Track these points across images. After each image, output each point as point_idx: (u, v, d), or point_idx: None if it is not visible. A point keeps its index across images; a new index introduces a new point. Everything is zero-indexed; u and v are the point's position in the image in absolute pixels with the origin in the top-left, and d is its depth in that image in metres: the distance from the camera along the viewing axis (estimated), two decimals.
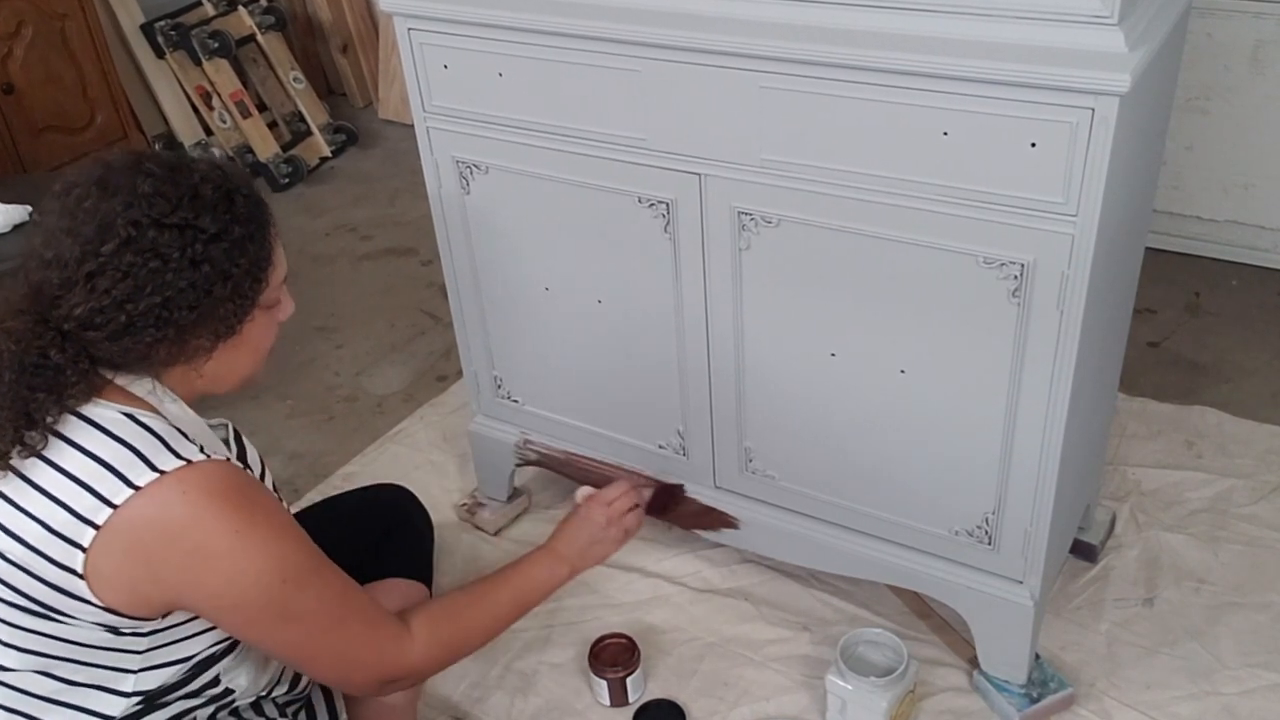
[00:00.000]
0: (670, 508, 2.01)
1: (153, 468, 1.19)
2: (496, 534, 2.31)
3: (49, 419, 1.19)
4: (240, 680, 1.39)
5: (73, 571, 1.19)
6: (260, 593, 1.24)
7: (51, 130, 3.60)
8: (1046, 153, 1.39)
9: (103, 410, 1.22)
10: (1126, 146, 1.44)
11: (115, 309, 1.19)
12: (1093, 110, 1.34)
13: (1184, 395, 2.58)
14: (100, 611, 1.21)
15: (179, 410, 1.30)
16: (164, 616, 1.26)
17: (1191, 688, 1.88)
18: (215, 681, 1.36)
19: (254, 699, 1.45)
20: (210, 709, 1.39)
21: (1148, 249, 1.95)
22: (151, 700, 1.31)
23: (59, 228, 1.20)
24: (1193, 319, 2.88)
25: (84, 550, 1.18)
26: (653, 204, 1.74)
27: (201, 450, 1.24)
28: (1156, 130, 1.72)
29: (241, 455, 1.40)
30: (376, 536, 1.74)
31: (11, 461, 1.19)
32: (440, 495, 2.40)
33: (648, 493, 1.86)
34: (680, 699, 1.91)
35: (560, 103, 1.74)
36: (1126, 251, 1.73)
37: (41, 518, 1.19)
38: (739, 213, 1.67)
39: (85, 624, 1.23)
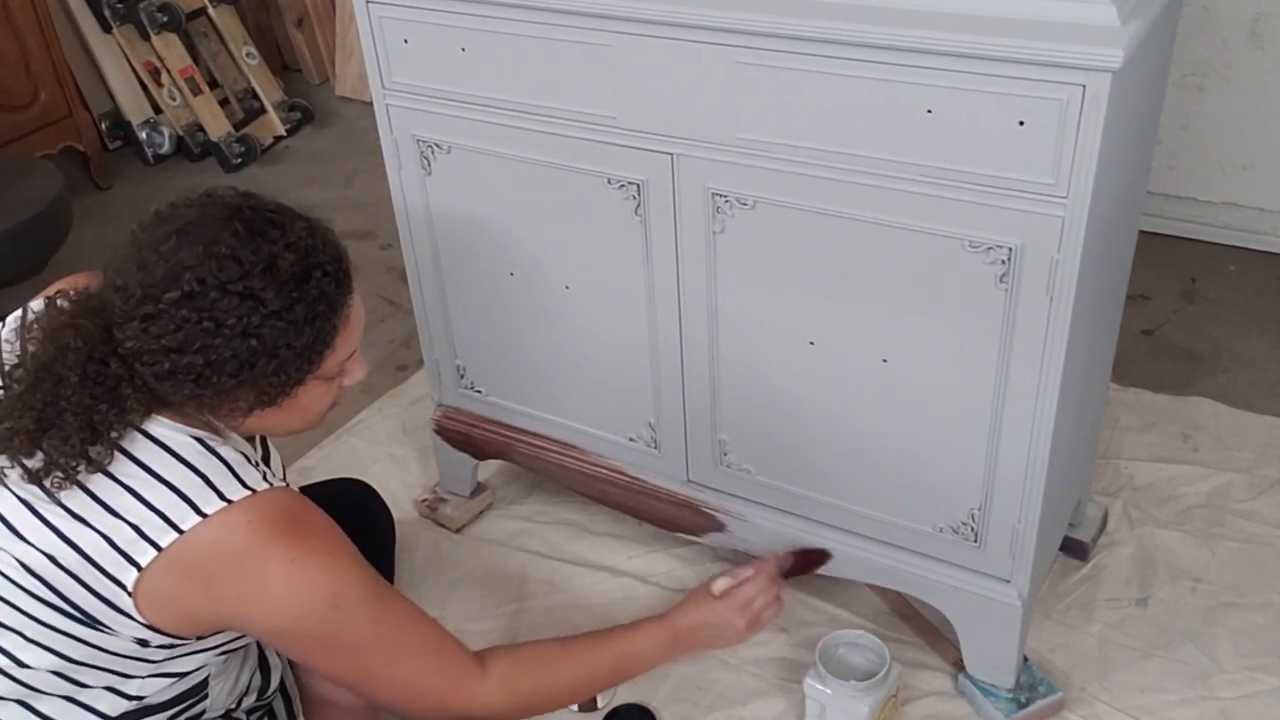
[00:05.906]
0: (809, 569, 1.87)
1: (222, 497, 1.23)
2: (459, 531, 2.27)
3: (113, 434, 1.22)
4: (218, 688, 1.43)
5: (121, 586, 1.22)
6: (311, 620, 1.27)
7: None
8: (1035, 132, 1.36)
9: (171, 433, 1.25)
10: (1119, 125, 1.41)
11: (162, 355, 1.22)
12: (1084, 87, 1.30)
13: (1179, 385, 2.56)
14: (140, 627, 1.25)
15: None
16: (203, 637, 1.30)
17: (1187, 691, 1.85)
18: (205, 684, 1.39)
19: (223, 712, 1.47)
20: None
21: (1141, 232, 1.93)
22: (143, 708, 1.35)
23: (134, 258, 1.23)
24: (1188, 305, 2.86)
25: (139, 569, 1.21)
26: (623, 185, 1.71)
27: (265, 478, 1.28)
28: (1151, 108, 1.70)
29: (266, 457, 1.45)
30: None
31: (78, 477, 1.21)
32: (400, 490, 2.37)
33: (787, 562, 1.80)
34: (651, 704, 1.88)
35: (526, 79, 1.71)
36: (1119, 235, 1.71)
37: (105, 532, 1.22)
38: (713, 194, 1.64)
39: (122, 636, 1.26)
